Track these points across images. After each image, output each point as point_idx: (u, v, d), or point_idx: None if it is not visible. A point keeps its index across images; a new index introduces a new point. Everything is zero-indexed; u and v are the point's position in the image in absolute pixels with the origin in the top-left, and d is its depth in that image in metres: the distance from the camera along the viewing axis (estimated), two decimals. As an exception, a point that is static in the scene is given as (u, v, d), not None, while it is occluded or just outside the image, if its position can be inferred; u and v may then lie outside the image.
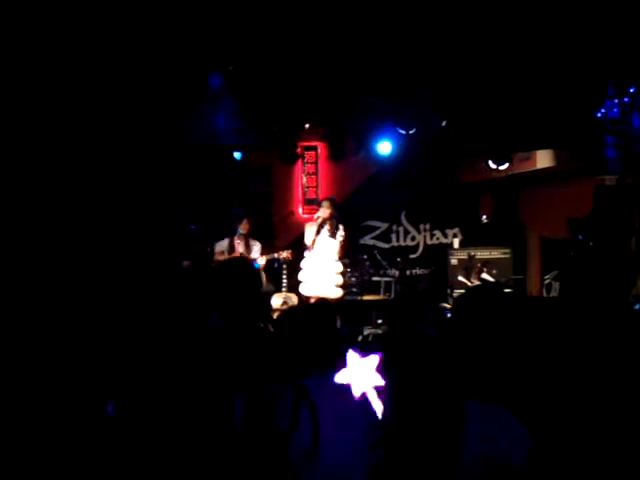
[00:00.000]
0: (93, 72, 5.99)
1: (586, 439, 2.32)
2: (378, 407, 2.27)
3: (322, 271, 7.94)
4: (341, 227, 7.94)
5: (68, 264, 5.79)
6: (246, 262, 2.87)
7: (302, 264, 8.12)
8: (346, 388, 2.36)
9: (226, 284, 2.59)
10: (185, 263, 8.01)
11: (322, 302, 5.34)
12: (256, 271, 2.77)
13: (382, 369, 2.34)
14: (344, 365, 2.36)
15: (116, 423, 2.25)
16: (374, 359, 2.33)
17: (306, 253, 8.10)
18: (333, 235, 7.89)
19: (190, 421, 2.21)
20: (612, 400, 2.41)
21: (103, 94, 6.26)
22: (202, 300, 2.64)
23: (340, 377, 2.34)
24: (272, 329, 3.12)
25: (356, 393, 2.31)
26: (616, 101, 6.59)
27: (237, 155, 8.99)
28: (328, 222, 7.91)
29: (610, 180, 7.32)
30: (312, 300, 7.65)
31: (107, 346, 2.75)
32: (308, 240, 7.94)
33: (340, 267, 8.10)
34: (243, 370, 2.34)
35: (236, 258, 6.83)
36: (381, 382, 2.31)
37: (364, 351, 2.39)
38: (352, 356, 2.35)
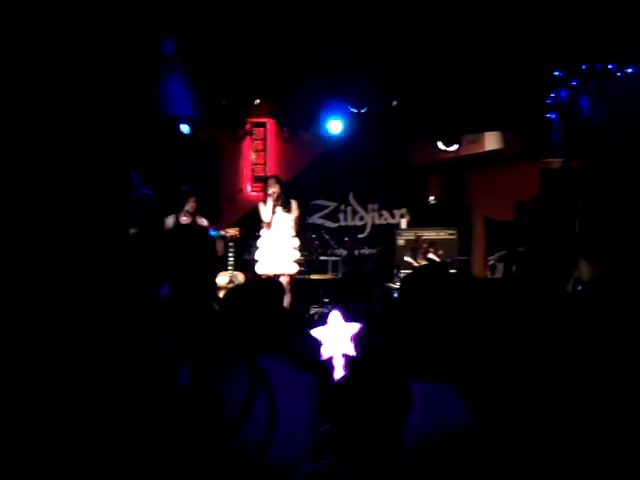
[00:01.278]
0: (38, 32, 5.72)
1: (527, 418, 2.33)
2: (338, 375, 2.20)
3: (281, 248, 7.89)
4: (292, 201, 7.88)
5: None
6: (200, 229, 2.73)
7: (259, 243, 8.02)
8: (316, 345, 2.28)
9: (178, 251, 2.47)
10: (132, 230, 7.71)
11: (270, 280, 5.27)
12: (210, 239, 2.63)
13: (357, 340, 2.29)
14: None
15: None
16: (354, 327, 2.27)
17: (262, 232, 7.99)
18: (288, 210, 7.83)
19: (134, 388, 2.11)
20: (553, 380, 2.43)
21: (52, 56, 6.00)
22: (152, 269, 2.51)
23: (316, 332, 2.27)
24: (217, 307, 3.05)
25: (325, 354, 2.24)
26: (565, 85, 6.68)
27: (185, 129, 8.79)
28: (280, 198, 7.85)
29: (556, 163, 7.44)
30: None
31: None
32: (266, 218, 7.84)
33: (297, 242, 8.04)
34: (190, 342, 2.25)
35: (189, 225, 6.65)
36: (352, 352, 2.25)
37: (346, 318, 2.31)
38: (335, 316, 2.28)
